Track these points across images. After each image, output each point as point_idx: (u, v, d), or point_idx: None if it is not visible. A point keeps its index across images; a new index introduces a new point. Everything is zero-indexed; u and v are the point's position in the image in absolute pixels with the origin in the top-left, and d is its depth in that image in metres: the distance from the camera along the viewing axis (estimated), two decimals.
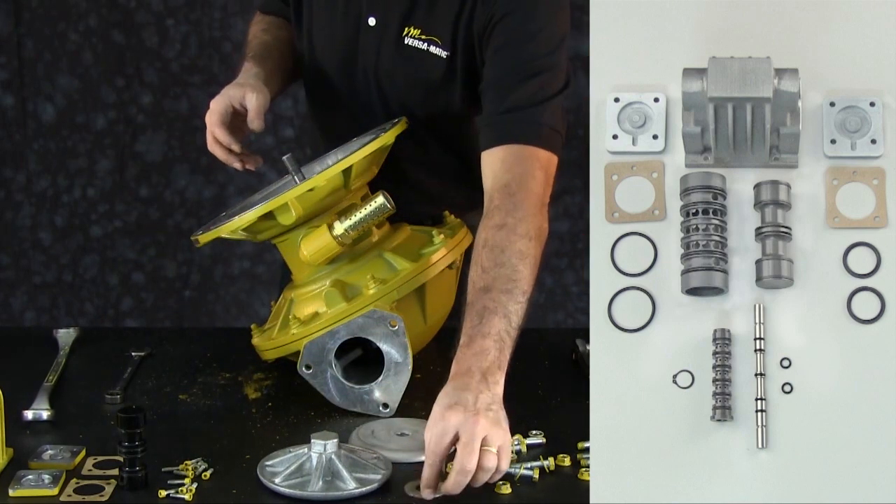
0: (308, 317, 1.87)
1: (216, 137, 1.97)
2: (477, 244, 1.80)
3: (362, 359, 1.89)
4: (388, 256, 1.90)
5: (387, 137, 1.91)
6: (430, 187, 2.16)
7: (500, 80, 1.94)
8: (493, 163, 1.89)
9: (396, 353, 1.83)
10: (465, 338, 1.69)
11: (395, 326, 1.82)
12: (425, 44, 2.02)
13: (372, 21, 2.05)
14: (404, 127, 1.96)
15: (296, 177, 1.94)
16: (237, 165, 2.01)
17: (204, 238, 1.90)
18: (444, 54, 2.02)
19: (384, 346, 1.83)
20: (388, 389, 1.83)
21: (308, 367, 1.83)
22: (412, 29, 2.02)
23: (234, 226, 1.86)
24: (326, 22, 2.10)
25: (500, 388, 1.67)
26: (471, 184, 2.01)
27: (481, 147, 1.92)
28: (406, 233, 1.97)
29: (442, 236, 1.95)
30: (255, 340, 1.96)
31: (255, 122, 1.96)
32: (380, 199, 1.86)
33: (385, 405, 1.83)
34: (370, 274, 1.86)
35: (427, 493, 1.59)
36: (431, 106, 2.07)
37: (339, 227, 1.86)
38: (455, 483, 1.57)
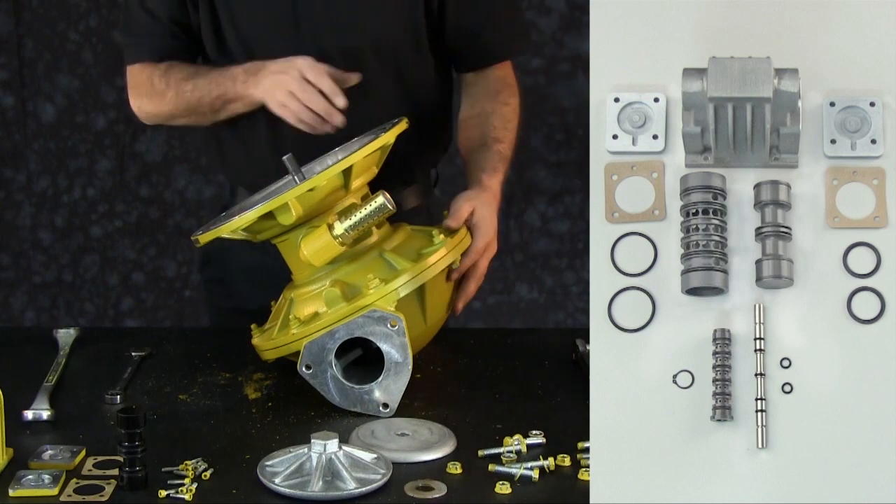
0: (308, 317, 1.86)
1: (324, 89, 1.96)
2: (483, 111, 2.18)
3: (362, 359, 1.89)
4: (389, 256, 1.90)
5: (387, 137, 1.90)
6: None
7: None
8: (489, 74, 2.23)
9: (396, 353, 1.83)
10: (488, 165, 2.12)
11: (395, 326, 1.82)
12: None
13: None
14: (405, 126, 1.96)
15: (296, 177, 1.94)
16: (328, 128, 1.98)
17: (204, 238, 1.90)
18: None
19: (384, 346, 1.82)
20: (388, 389, 1.83)
21: (308, 367, 1.83)
22: None
23: (234, 226, 1.86)
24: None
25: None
26: (420, 137, 2.11)
27: (471, 67, 2.22)
28: (406, 233, 1.97)
29: (442, 236, 1.95)
30: (255, 341, 1.96)
31: (352, 77, 2.01)
32: (380, 199, 1.86)
33: (385, 405, 1.83)
34: (370, 274, 1.85)
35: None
36: (398, 32, 2.10)
37: (340, 228, 1.86)
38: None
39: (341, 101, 1.98)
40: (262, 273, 2.18)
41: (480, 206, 2.01)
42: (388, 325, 1.82)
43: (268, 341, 1.91)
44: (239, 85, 2.06)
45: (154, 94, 2.16)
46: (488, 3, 2.18)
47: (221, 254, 2.27)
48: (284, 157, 1.95)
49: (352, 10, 2.09)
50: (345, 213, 1.87)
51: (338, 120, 1.98)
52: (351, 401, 1.84)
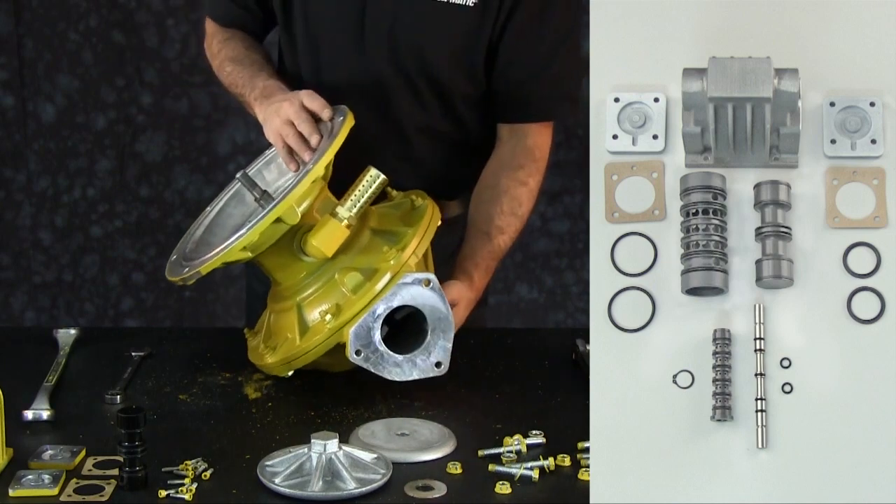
0: (332, 309, 1.86)
1: (309, 105, 1.94)
2: (498, 186, 2.10)
3: (390, 335, 1.90)
4: (383, 230, 1.91)
5: (342, 134, 1.90)
6: (432, 162, 2.16)
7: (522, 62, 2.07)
8: (520, 131, 2.13)
9: (438, 309, 1.84)
10: (482, 262, 2.07)
11: (429, 285, 1.84)
12: None
13: None
14: (352, 123, 1.94)
15: (253, 192, 1.94)
16: (306, 156, 1.95)
17: (207, 268, 1.87)
18: (470, 2, 2.00)
19: (427, 306, 1.84)
20: (438, 347, 1.85)
21: (358, 353, 1.83)
22: None
23: (243, 243, 1.83)
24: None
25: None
26: (468, 159, 2.11)
27: (507, 118, 2.12)
28: (376, 210, 1.98)
29: (415, 196, 1.97)
30: (270, 360, 1.92)
31: (325, 111, 1.97)
32: (373, 172, 1.89)
33: (438, 364, 1.86)
34: (385, 247, 1.86)
35: None
36: (454, 67, 2.07)
37: (344, 212, 1.87)
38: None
39: (316, 139, 1.96)
40: None
41: (462, 307, 2.00)
42: (423, 286, 1.84)
43: (288, 352, 1.89)
44: (252, 99, 2.07)
45: (210, 53, 2.23)
46: (545, 58, 2.08)
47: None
48: (238, 175, 1.95)
49: (416, 34, 2.05)
50: (343, 198, 1.88)
51: (307, 156, 1.95)
52: (407, 371, 1.85)
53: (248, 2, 2.17)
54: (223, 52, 2.18)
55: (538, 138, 2.13)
